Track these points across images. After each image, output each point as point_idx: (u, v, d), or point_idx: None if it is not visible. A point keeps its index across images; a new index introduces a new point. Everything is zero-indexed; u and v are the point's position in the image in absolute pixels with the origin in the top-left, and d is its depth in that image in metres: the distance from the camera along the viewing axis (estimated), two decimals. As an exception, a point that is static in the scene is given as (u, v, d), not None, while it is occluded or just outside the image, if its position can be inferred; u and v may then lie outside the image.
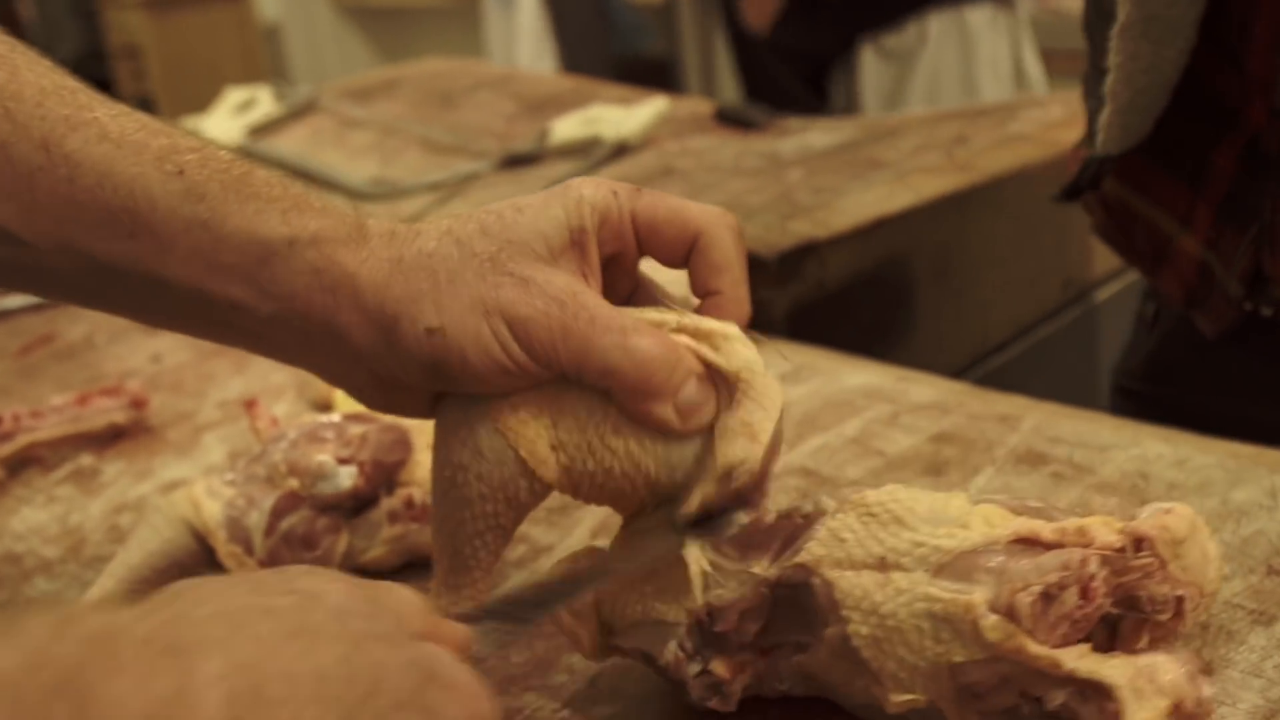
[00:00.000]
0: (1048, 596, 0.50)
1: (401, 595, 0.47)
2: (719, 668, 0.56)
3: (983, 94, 2.33)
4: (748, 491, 0.57)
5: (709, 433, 0.56)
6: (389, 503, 0.75)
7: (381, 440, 0.76)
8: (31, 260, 0.55)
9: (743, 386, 0.56)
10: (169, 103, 4.53)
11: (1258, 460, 0.76)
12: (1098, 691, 0.50)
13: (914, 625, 0.51)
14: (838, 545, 0.54)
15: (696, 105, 1.76)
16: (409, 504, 0.75)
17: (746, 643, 0.56)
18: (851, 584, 0.53)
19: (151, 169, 0.54)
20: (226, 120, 1.85)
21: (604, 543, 0.74)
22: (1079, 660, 0.50)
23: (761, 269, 1.03)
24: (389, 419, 0.78)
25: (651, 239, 0.59)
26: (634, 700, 0.63)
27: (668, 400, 0.55)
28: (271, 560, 0.72)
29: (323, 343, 0.56)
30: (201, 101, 2.06)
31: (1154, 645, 0.53)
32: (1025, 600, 0.49)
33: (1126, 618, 0.52)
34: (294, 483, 0.75)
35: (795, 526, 0.56)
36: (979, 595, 0.50)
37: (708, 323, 0.58)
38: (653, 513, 0.59)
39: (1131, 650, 0.52)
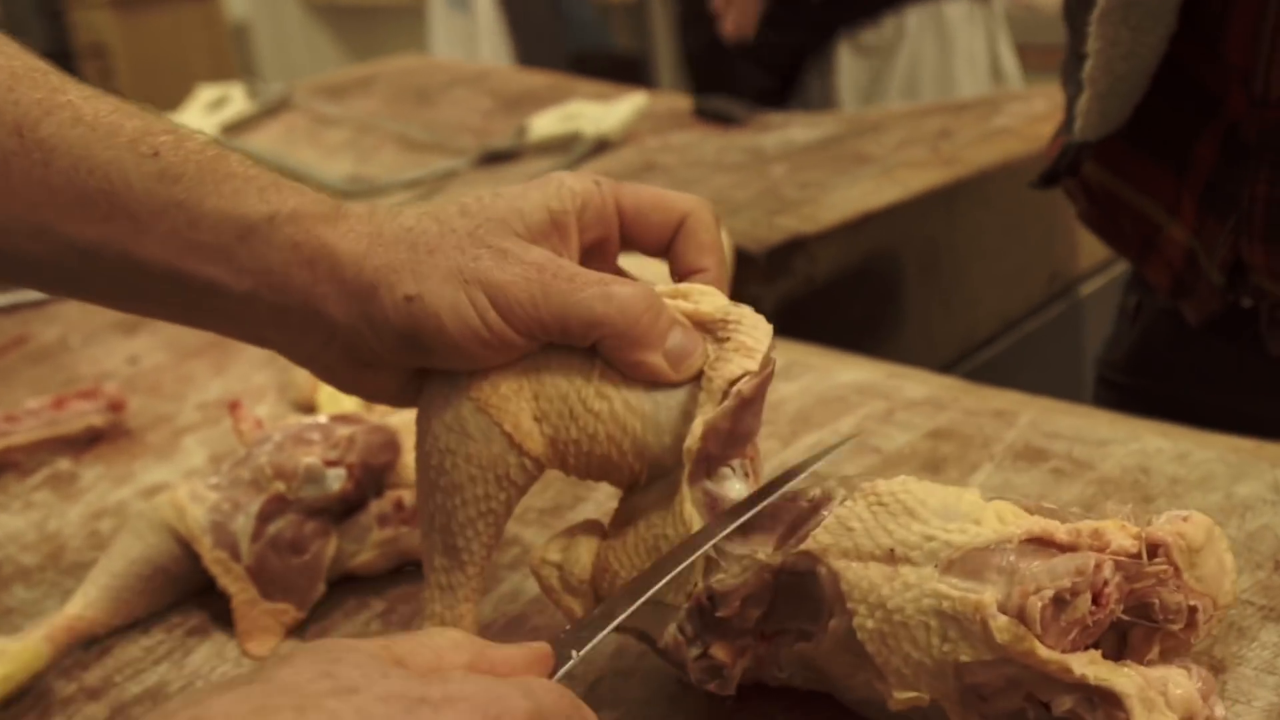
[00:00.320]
0: (1060, 601, 0.48)
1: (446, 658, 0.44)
2: (719, 652, 0.55)
3: (960, 89, 2.32)
4: (745, 416, 0.56)
5: (698, 383, 0.56)
6: (378, 505, 0.73)
7: (370, 442, 0.74)
8: (7, 246, 0.54)
9: (730, 322, 0.57)
10: (137, 102, 4.47)
11: (1259, 454, 0.75)
12: (1106, 699, 0.48)
13: (921, 622, 0.50)
14: (845, 534, 0.52)
15: (675, 101, 1.75)
16: (399, 506, 0.73)
17: (748, 628, 0.55)
18: (859, 575, 0.51)
19: (126, 151, 0.54)
20: (199, 118, 1.82)
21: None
22: (1089, 666, 0.48)
23: (750, 265, 1.02)
24: (377, 420, 0.76)
25: (636, 224, 0.59)
26: (636, 704, 0.61)
27: (657, 347, 0.55)
28: (259, 565, 0.70)
29: (298, 318, 0.56)
30: (170, 100, 2.03)
31: (1164, 656, 0.51)
32: (1037, 604, 0.48)
33: (1137, 626, 0.51)
34: (280, 486, 0.73)
35: (801, 511, 0.55)
36: (989, 595, 0.48)
37: (684, 285, 0.59)
38: (645, 490, 0.58)
39: (1141, 660, 0.51)
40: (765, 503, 0.56)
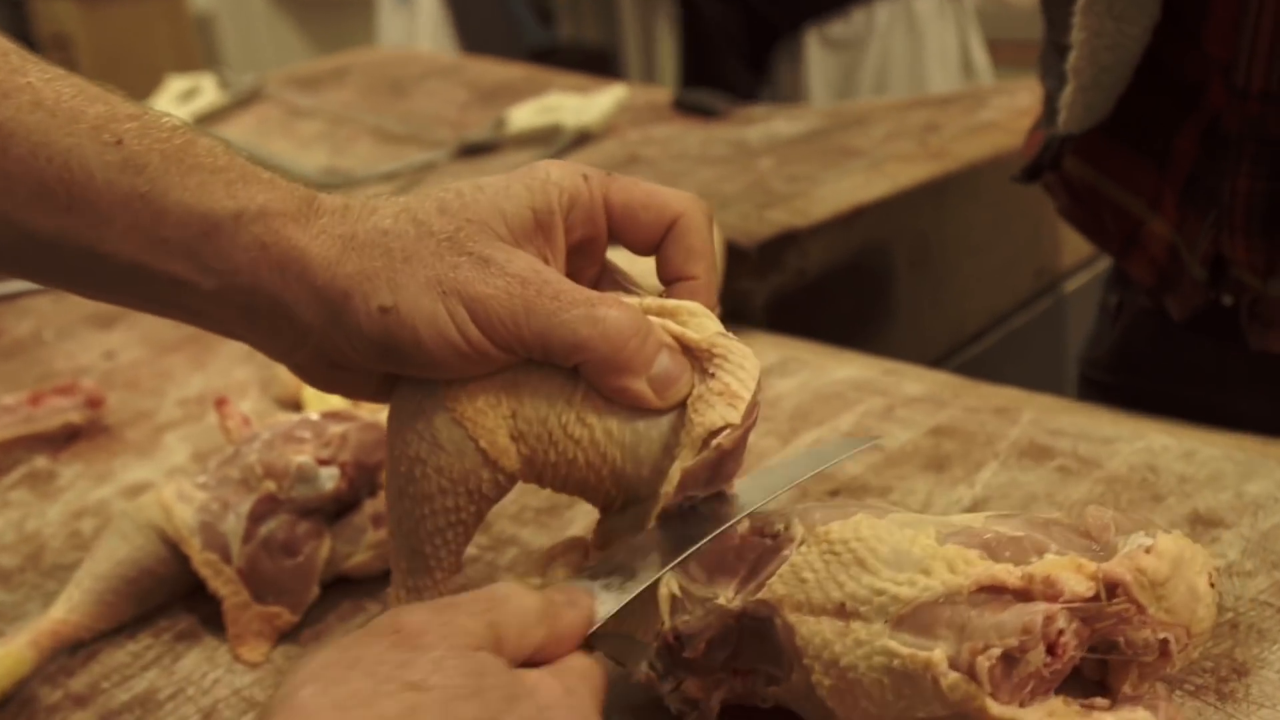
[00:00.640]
0: (1009, 658, 0.46)
1: (515, 619, 0.47)
2: (692, 688, 0.54)
3: (931, 84, 2.32)
4: (726, 463, 0.54)
5: (680, 414, 0.54)
6: (372, 505, 0.72)
7: (363, 440, 0.72)
8: None
9: (717, 356, 0.54)
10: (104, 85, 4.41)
11: (1265, 452, 0.75)
12: None
13: (874, 679, 0.48)
14: (798, 585, 0.51)
15: (654, 94, 1.73)
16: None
17: (717, 667, 0.54)
18: (812, 631, 0.50)
19: (88, 139, 0.51)
20: (169, 109, 1.79)
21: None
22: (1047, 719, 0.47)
23: (741, 259, 1.00)
24: (369, 418, 0.74)
25: (626, 224, 0.56)
26: (643, 711, 0.59)
27: (641, 374, 0.53)
28: (250, 568, 0.68)
29: (268, 319, 0.53)
30: (134, 92, 1.98)
31: (1148, 676, 0.49)
32: (985, 663, 0.46)
33: (1110, 657, 0.49)
34: (271, 485, 0.71)
35: (762, 550, 0.53)
36: (939, 653, 0.47)
37: (672, 302, 0.56)
38: (621, 513, 0.57)
39: (1122, 684, 0.49)
40: (776, 495, 0.55)
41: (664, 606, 0.53)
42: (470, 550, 0.73)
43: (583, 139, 1.49)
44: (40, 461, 0.90)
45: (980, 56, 2.44)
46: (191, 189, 0.51)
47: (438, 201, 0.54)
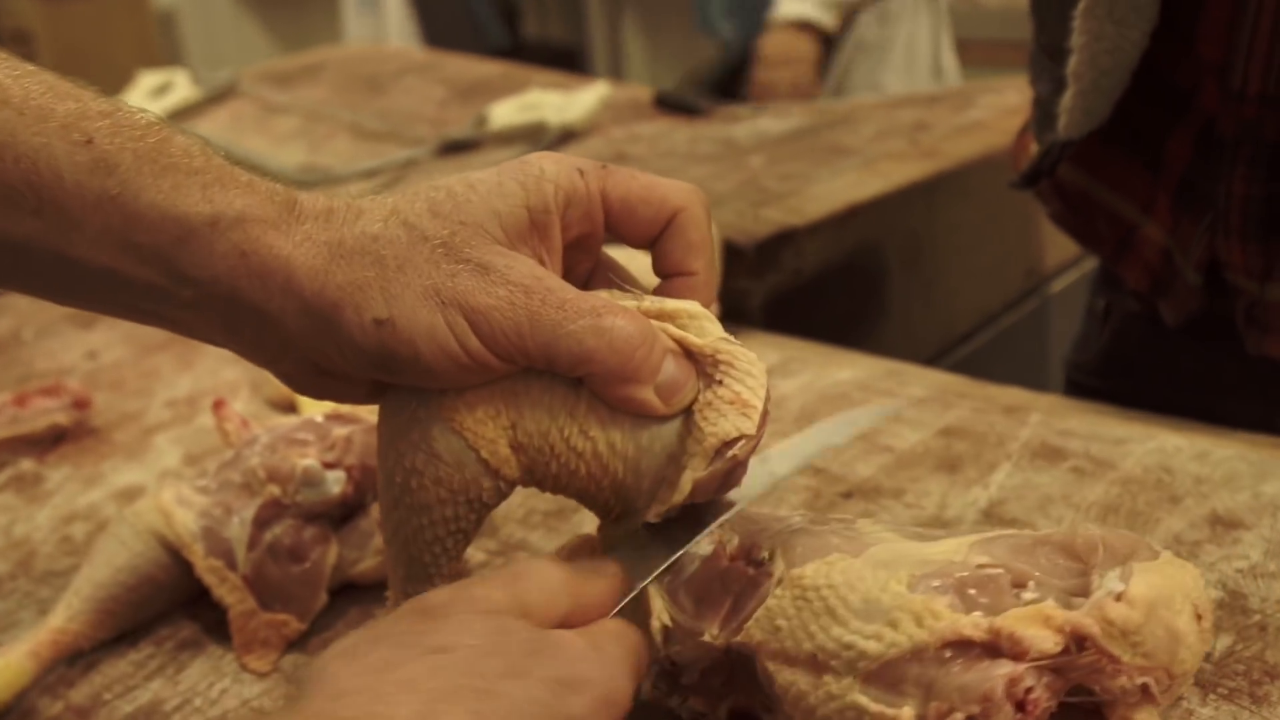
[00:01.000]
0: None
1: (537, 586, 0.47)
2: (697, 704, 0.55)
3: (897, 84, 2.31)
4: (737, 472, 0.53)
5: (683, 422, 0.52)
6: (378, 510, 0.70)
7: (368, 442, 0.71)
8: None
9: (723, 362, 0.53)
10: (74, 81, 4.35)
11: (1278, 452, 0.74)
12: None
13: None
14: (774, 633, 0.50)
15: (635, 91, 1.72)
16: (400, 511, 0.70)
17: (716, 689, 0.54)
18: (788, 680, 0.50)
19: (57, 138, 0.48)
20: (142, 105, 1.76)
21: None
22: None
23: (739, 258, 0.99)
24: (373, 420, 0.73)
25: (624, 219, 0.54)
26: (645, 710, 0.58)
27: (649, 382, 0.51)
28: (256, 574, 0.66)
29: (250, 329, 0.51)
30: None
31: (1140, 708, 0.48)
32: None
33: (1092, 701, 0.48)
34: (275, 489, 0.69)
35: (745, 582, 0.53)
36: (907, 711, 0.46)
37: (671, 303, 0.54)
38: (618, 523, 0.55)
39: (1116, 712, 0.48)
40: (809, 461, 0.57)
41: (657, 637, 0.53)
42: (478, 555, 0.72)
43: (567, 136, 1.47)
44: (26, 464, 0.87)
45: (949, 58, 2.43)
46: (165, 191, 0.49)
47: (428, 202, 0.51)
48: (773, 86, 2.07)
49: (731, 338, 0.54)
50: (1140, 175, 0.87)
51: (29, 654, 0.64)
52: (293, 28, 5.04)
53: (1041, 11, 0.91)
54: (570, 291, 0.51)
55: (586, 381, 0.52)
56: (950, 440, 0.78)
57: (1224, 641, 0.58)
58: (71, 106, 0.49)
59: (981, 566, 0.49)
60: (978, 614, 0.47)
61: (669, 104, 1.63)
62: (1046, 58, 0.90)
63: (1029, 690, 0.45)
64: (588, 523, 0.74)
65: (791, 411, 0.84)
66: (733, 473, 0.53)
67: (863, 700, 0.47)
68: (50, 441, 0.90)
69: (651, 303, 0.54)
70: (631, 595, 0.52)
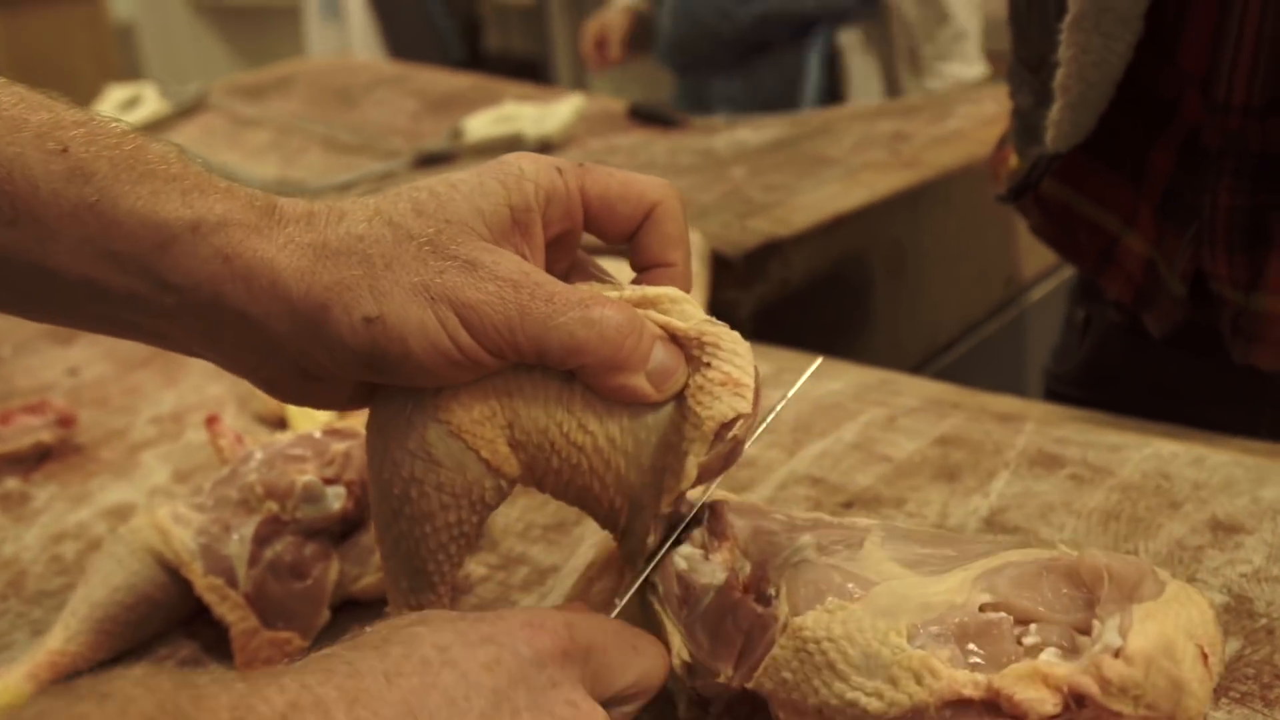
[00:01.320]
0: None
1: (525, 640, 0.46)
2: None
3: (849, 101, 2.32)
4: (736, 451, 0.54)
5: (676, 408, 0.53)
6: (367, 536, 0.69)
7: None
8: None
9: (709, 344, 0.53)
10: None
11: (1274, 456, 0.75)
12: None
13: None
14: (781, 684, 0.50)
15: (608, 103, 1.72)
16: (402, 526, 0.69)
17: (745, 715, 0.55)
18: None
19: (31, 148, 0.47)
20: (112, 118, 1.75)
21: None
22: None
23: (727, 269, 0.99)
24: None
25: (603, 215, 0.55)
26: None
27: (640, 370, 0.52)
28: (258, 592, 0.65)
29: (233, 335, 0.50)
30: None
31: None
32: None
33: None
34: (274, 506, 0.68)
35: (754, 620, 0.53)
36: None
37: (652, 290, 0.54)
38: (631, 528, 0.55)
39: None
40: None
41: (678, 670, 0.54)
42: (479, 570, 0.71)
43: (544, 149, 1.47)
44: (12, 483, 0.86)
45: (905, 76, 2.44)
46: (144, 197, 0.48)
47: (411, 202, 0.51)
48: (587, 59, 2.33)
49: (714, 319, 0.54)
50: (1122, 187, 0.87)
51: (27, 676, 0.63)
52: (253, 42, 5.02)
53: (1021, 24, 0.92)
54: (558, 285, 0.51)
55: (579, 374, 0.52)
56: (947, 449, 0.79)
57: (1233, 646, 0.58)
58: (45, 116, 0.48)
59: (984, 608, 0.49)
60: (978, 674, 0.46)
61: (643, 115, 1.63)
62: (1027, 70, 0.90)
63: None
64: (588, 535, 0.74)
65: (787, 422, 0.84)
66: (734, 452, 0.53)
67: None
68: (35, 460, 0.88)
69: (633, 291, 0.54)
70: (633, 589, 0.54)
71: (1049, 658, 0.47)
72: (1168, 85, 0.82)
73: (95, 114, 0.50)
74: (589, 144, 1.48)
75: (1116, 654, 0.45)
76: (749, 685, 0.51)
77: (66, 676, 0.65)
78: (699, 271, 0.98)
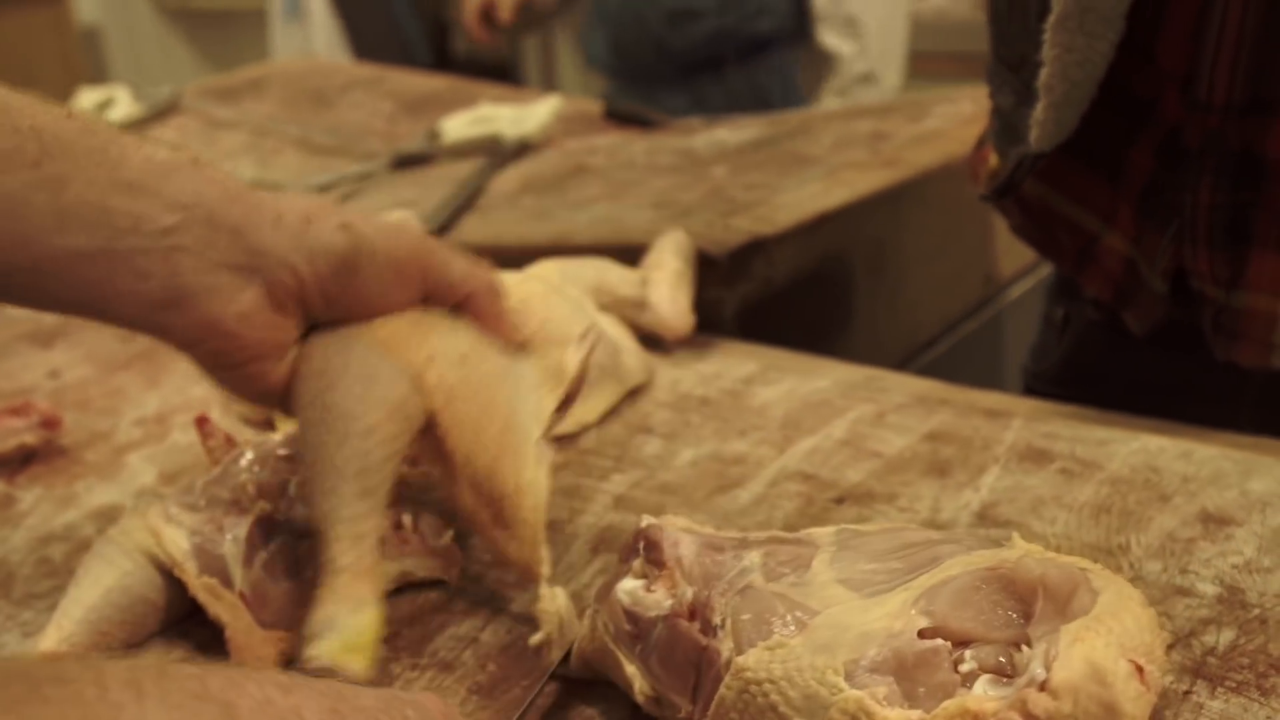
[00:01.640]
0: None
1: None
2: None
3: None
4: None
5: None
6: (374, 524, 0.69)
7: (361, 456, 0.70)
8: None
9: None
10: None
11: (1260, 450, 0.75)
12: None
13: None
14: None
15: (585, 104, 1.72)
16: (397, 525, 0.69)
17: None
18: None
19: (43, 112, 0.57)
20: (84, 121, 1.73)
21: (602, 560, 0.70)
22: None
23: (711, 268, 0.99)
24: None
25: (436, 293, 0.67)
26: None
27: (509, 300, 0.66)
28: (254, 592, 0.65)
29: (221, 252, 0.58)
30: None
31: None
32: None
33: None
34: (266, 506, 0.68)
35: (700, 654, 0.53)
36: None
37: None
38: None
39: None
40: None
41: (641, 702, 0.56)
42: (474, 568, 0.71)
43: (522, 149, 1.47)
44: (-5, 486, 0.85)
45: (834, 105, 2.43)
46: (146, 146, 0.58)
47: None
48: (470, 28, 2.37)
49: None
50: (1101, 186, 0.88)
51: (21, 678, 0.62)
52: (219, 46, 4.99)
53: (1002, 25, 0.92)
54: None
55: (469, 302, 0.65)
56: (937, 444, 0.79)
57: (1227, 636, 0.59)
58: (30, 99, 0.58)
59: (923, 633, 0.49)
60: (912, 711, 0.47)
61: (620, 116, 1.63)
62: (1007, 70, 0.91)
63: None
64: (584, 533, 0.74)
65: (776, 419, 0.84)
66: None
67: None
68: (19, 462, 0.88)
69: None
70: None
71: (983, 686, 0.48)
72: (1146, 84, 0.83)
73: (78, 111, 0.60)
74: (566, 144, 1.48)
75: (1042, 687, 0.45)
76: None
77: (60, 678, 0.64)
78: (683, 270, 0.98)
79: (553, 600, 0.61)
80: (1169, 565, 0.65)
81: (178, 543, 0.67)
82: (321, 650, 0.56)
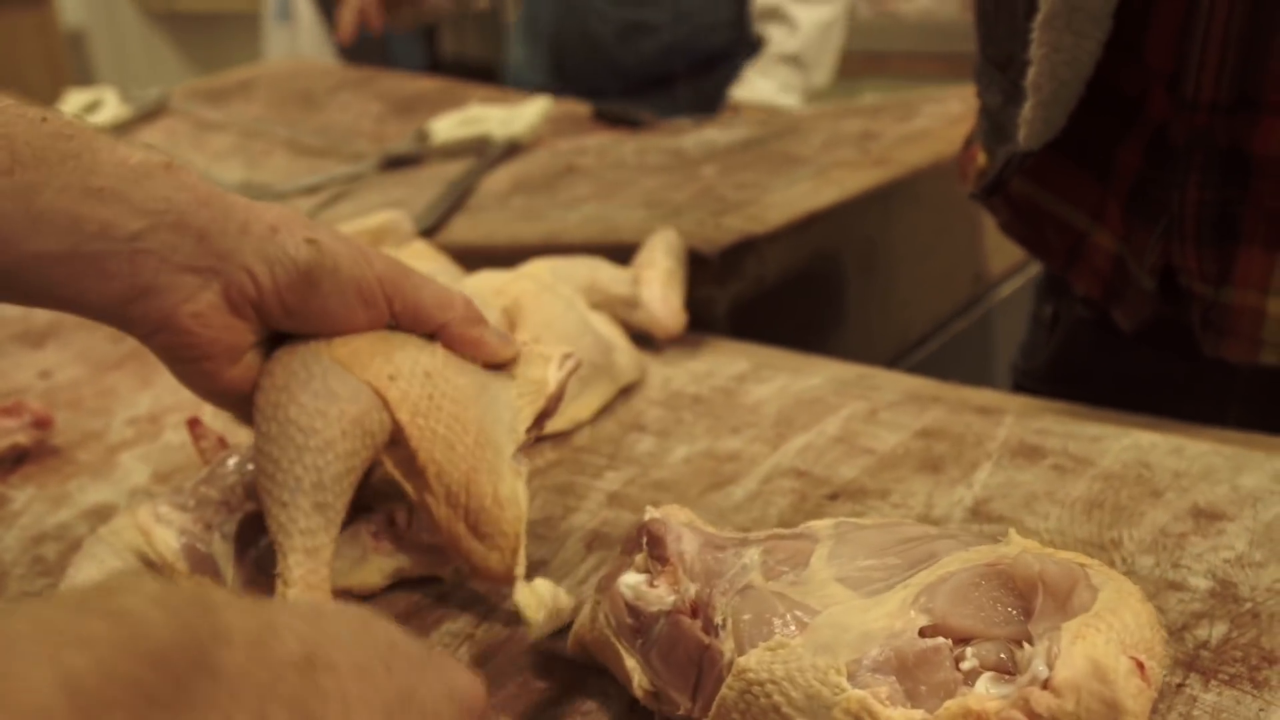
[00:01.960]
0: None
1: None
2: None
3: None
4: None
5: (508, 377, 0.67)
6: (369, 522, 0.69)
7: (354, 454, 0.69)
8: None
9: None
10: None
11: (1250, 445, 0.76)
12: None
13: None
14: None
15: (573, 106, 1.72)
16: (391, 522, 0.69)
17: None
18: None
19: (17, 118, 0.57)
20: (72, 123, 1.73)
21: (596, 557, 0.70)
22: None
23: (703, 266, 1.00)
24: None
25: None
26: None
27: (488, 328, 0.66)
28: (245, 591, 0.65)
29: (186, 255, 0.59)
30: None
31: None
32: None
33: None
34: (254, 505, 0.68)
35: (702, 652, 0.53)
36: None
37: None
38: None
39: None
40: None
41: (640, 697, 0.56)
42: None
43: (512, 150, 1.47)
44: (-13, 486, 0.85)
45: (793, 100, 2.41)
46: (119, 150, 0.58)
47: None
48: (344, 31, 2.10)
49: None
50: (1090, 184, 0.88)
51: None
52: (205, 49, 4.98)
53: (989, 24, 0.92)
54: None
55: (442, 331, 0.65)
56: (930, 441, 0.79)
57: (1220, 629, 0.59)
58: (10, 100, 0.58)
59: (924, 631, 0.49)
60: (914, 711, 0.47)
61: (608, 117, 1.63)
62: (995, 69, 0.91)
63: None
64: (578, 530, 0.74)
65: (769, 416, 0.84)
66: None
67: None
68: (12, 462, 0.87)
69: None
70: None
71: (985, 684, 0.48)
72: (1133, 82, 0.83)
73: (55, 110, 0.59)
74: (557, 145, 1.48)
75: (1045, 685, 0.46)
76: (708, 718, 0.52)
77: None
78: (675, 269, 0.98)
79: (532, 592, 0.62)
80: (1161, 560, 0.65)
81: (168, 542, 0.66)
82: None
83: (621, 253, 0.99)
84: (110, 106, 1.80)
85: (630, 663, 0.56)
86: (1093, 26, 0.79)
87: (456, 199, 1.28)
